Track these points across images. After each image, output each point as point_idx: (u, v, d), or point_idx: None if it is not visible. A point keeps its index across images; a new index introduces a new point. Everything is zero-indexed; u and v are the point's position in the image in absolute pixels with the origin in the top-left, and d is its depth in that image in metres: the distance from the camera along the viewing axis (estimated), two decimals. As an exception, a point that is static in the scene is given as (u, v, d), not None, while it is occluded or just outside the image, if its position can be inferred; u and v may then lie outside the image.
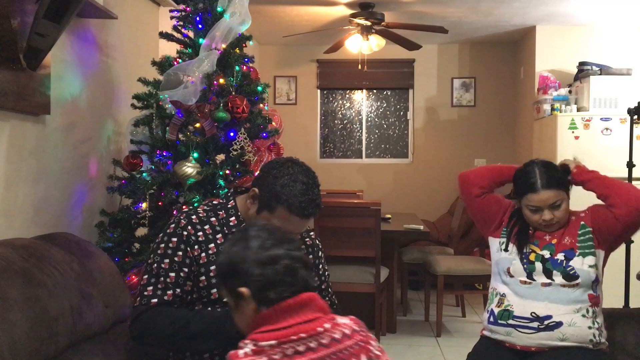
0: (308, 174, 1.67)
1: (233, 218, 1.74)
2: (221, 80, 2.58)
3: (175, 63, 2.65)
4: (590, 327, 1.97)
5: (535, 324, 1.98)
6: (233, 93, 2.60)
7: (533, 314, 1.99)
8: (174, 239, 1.68)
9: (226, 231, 1.72)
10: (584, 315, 1.97)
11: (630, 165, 3.58)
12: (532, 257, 2.06)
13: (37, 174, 2.31)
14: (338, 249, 3.85)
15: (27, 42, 2.02)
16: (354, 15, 4.88)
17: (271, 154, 2.83)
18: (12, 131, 2.14)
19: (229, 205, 1.77)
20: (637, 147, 3.85)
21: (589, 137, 4.76)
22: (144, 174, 2.61)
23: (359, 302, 3.90)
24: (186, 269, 1.67)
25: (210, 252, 1.69)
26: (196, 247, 1.68)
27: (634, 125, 3.58)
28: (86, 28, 2.70)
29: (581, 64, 5.20)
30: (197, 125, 2.52)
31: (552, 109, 5.01)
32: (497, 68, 6.48)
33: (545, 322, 1.97)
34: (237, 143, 2.58)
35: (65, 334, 1.72)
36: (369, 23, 4.88)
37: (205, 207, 1.78)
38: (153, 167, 2.63)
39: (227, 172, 2.54)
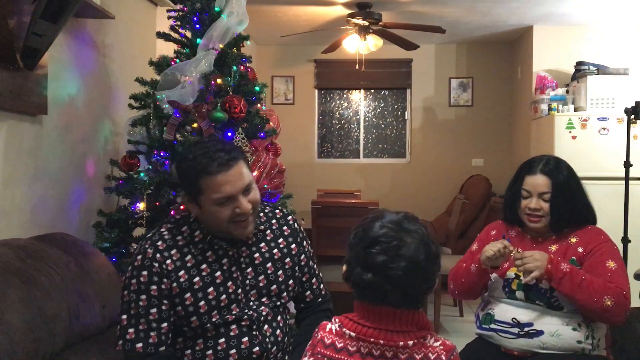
0: (198, 143, 1.65)
1: (197, 232, 1.66)
2: (219, 80, 2.58)
3: (172, 63, 2.64)
4: (580, 342, 1.87)
5: (515, 330, 1.93)
6: (230, 93, 2.60)
7: (514, 320, 1.94)
8: (144, 273, 1.58)
9: (192, 249, 1.63)
10: (574, 329, 1.89)
11: (627, 165, 3.59)
12: (514, 284, 1.98)
13: (34, 174, 2.30)
14: (336, 249, 3.84)
15: (24, 42, 2.02)
16: (351, 15, 4.88)
17: (269, 154, 2.83)
18: (9, 131, 2.13)
19: (191, 219, 1.68)
20: (634, 146, 3.86)
21: (586, 136, 4.76)
22: (141, 174, 2.60)
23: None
24: (166, 301, 1.58)
25: (182, 280, 1.59)
26: (165, 280, 1.58)
27: (631, 125, 3.58)
28: (83, 28, 2.70)
29: (578, 63, 5.21)
30: (195, 125, 2.52)
31: (550, 109, 5.02)
32: (495, 68, 6.48)
33: (526, 329, 1.91)
34: (235, 143, 2.57)
35: (62, 334, 1.71)
36: (366, 23, 4.88)
37: (168, 226, 1.68)
38: (150, 167, 2.62)
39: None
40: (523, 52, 5.98)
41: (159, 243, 1.62)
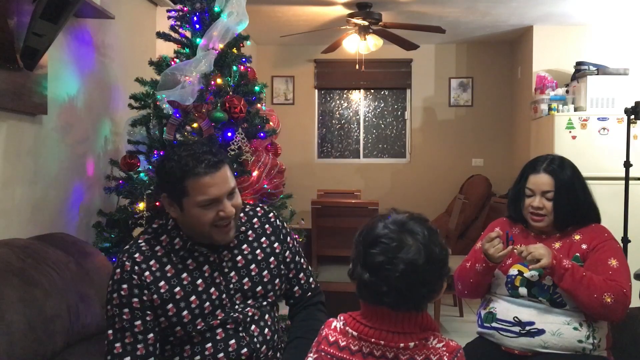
0: (183, 145, 1.63)
1: (177, 240, 1.63)
2: (219, 80, 2.58)
3: (172, 63, 2.64)
4: (581, 341, 1.88)
5: (516, 329, 1.94)
6: (230, 93, 2.59)
7: (515, 319, 1.95)
8: (124, 286, 1.55)
9: (173, 258, 1.61)
10: (575, 329, 1.89)
11: (627, 164, 3.59)
12: (517, 281, 1.98)
13: (34, 174, 2.30)
14: (336, 249, 3.85)
15: (24, 42, 2.02)
16: (351, 15, 4.88)
17: (269, 154, 2.83)
18: (9, 131, 2.13)
19: (169, 227, 1.65)
20: (634, 146, 3.86)
21: (586, 136, 4.76)
22: (141, 174, 2.60)
23: (356, 302, 3.89)
24: (150, 312, 1.56)
25: (162, 290, 1.57)
26: (146, 291, 1.56)
27: (631, 125, 3.58)
28: (83, 28, 2.70)
29: (578, 63, 5.21)
30: (195, 125, 2.52)
31: (550, 109, 5.02)
32: (495, 68, 6.49)
33: (527, 328, 1.92)
34: (235, 143, 2.57)
35: (62, 334, 1.71)
36: (366, 23, 4.88)
37: (146, 237, 1.64)
38: (150, 167, 2.62)
39: (225, 172, 2.53)
40: (523, 52, 5.98)
41: (136, 255, 1.59)
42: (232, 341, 1.62)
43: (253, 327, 1.66)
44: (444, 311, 4.64)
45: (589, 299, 1.84)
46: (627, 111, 3.53)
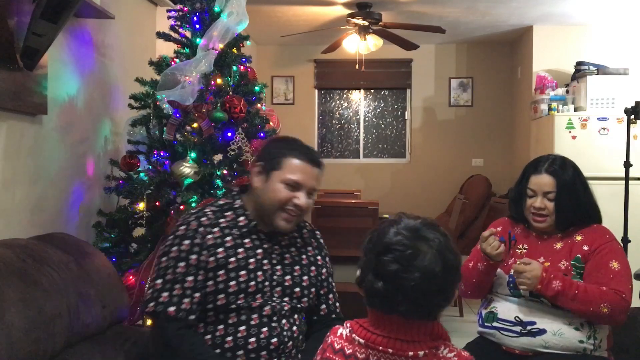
0: (298, 140, 1.79)
1: (242, 218, 1.74)
2: (219, 80, 2.58)
3: (172, 63, 2.64)
4: (582, 342, 1.88)
5: (517, 328, 1.94)
6: (230, 93, 2.60)
7: (517, 318, 1.95)
8: (186, 242, 1.65)
9: (236, 232, 1.71)
10: (577, 329, 1.89)
11: (627, 165, 3.59)
12: None
13: (34, 174, 2.30)
14: (336, 249, 3.80)
15: (24, 42, 2.01)
16: (351, 15, 4.88)
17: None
18: (9, 131, 2.13)
19: (236, 205, 1.76)
20: (634, 146, 3.86)
21: (586, 136, 4.76)
22: (141, 174, 2.60)
23: (356, 302, 3.89)
24: (202, 272, 1.64)
25: (219, 255, 1.66)
26: (204, 252, 1.65)
27: (631, 125, 3.59)
28: (83, 28, 2.70)
29: (578, 63, 5.21)
30: (195, 125, 2.52)
31: (550, 109, 5.02)
32: (495, 68, 6.48)
33: (528, 328, 1.92)
34: (235, 143, 2.57)
35: (62, 334, 1.71)
36: (366, 23, 4.88)
37: (213, 208, 1.75)
38: (150, 167, 2.62)
39: (225, 172, 2.54)
40: (523, 52, 5.98)
41: (203, 219, 1.69)
42: (265, 329, 1.67)
43: (284, 321, 1.72)
44: (444, 311, 4.64)
45: (586, 312, 1.85)
46: (627, 111, 3.53)
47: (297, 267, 1.78)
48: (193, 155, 2.50)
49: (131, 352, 1.94)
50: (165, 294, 1.62)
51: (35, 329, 1.59)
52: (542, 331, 1.90)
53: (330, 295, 1.89)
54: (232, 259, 1.67)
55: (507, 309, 1.99)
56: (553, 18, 5.30)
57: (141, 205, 2.56)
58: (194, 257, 1.64)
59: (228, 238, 1.70)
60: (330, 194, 5.32)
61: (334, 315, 1.88)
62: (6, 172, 2.12)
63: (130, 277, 2.45)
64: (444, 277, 1.14)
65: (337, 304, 1.92)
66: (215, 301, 1.65)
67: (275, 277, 1.73)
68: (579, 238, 2.00)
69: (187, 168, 2.45)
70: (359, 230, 3.82)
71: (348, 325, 1.24)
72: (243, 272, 1.67)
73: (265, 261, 1.73)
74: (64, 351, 1.74)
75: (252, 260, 1.70)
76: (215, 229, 1.69)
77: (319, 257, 1.87)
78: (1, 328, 1.47)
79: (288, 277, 1.75)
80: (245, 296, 1.66)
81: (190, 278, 1.63)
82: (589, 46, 5.51)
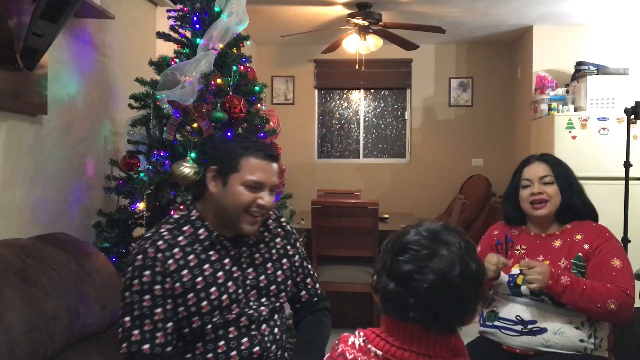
0: (248, 135, 1.72)
1: (202, 230, 1.65)
2: (218, 80, 2.58)
3: (172, 63, 2.64)
4: (582, 340, 1.88)
5: (518, 327, 1.94)
6: (230, 93, 2.59)
7: (518, 317, 1.95)
8: (147, 272, 1.53)
9: (198, 248, 1.62)
10: (577, 328, 1.89)
11: (627, 165, 3.59)
12: (519, 280, 1.97)
13: (34, 174, 2.30)
14: (336, 249, 3.85)
15: (24, 42, 2.02)
16: (351, 15, 4.88)
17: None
18: (9, 131, 2.13)
19: (193, 217, 1.67)
20: (634, 146, 3.86)
21: (586, 136, 4.76)
22: (141, 174, 2.60)
23: (356, 302, 3.90)
24: (170, 300, 1.55)
25: (185, 279, 1.57)
26: (168, 279, 1.54)
27: (631, 125, 3.58)
28: (83, 28, 2.70)
29: (578, 63, 5.21)
30: (195, 125, 2.52)
31: (550, 109, 5.02)
32: (495, 68, 6.49)
33: (529, 327, 1.92)
34: (235, 143, 2.57)
35: (62, 334, 1.71)
36: (366, 23, 4.88)
37: (168, 226, 1.64)
38: (150, 167, 2.62)
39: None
40: (523, 52, 5.98)
41: (160, 243, 1.58)
42: (245, 339, 1.63)
43: (264, 326, 1.68)
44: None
45: (594, 309, 1.85)
46: (627, 111, 3.53)
47: (269, 265, 1.73)
48: (193, 155, 2.50)
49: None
50: (136, 332, 1.51)
51: (35, 328, 1.59)
52: (543, 330, 1.91)
53: (308, 280, 1.85)
54: (199, 279, 1.59)
55: (508, 308, 2.00)
56: (553, 18, 5.31)
57: (141, 205, 2.56)
58: (157, 287, 1.53)
59: (191, 257, 1.60)
60: (330, 194, 5.32)
61: (316, 298, 1.86)
62: (6, 172, 2.12)
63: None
64: (463, 284, 1.07)
65: (317, 285, 1.88)
66: (191, 324, 1.58)
67: (248, 281, 1.68)
68: (578, 237, 2.01)
69: (187, 168, 2.45)
70: (359, 230, 3.85)
71: (361, 334, 1.16)
72: (213, 289, 1.60)
73: (234, 268, 1.66)
74: (64, 351, 1.74)
75: (220, 273, 1.63)
76: (176, 250, 1.58)
77: (288, 247, 1.81)
78: (1, 328, 1.47)
79: (262, 277, 1.71)
80: (220, 312, 1.60)
81: (158, 310, 1.53)
82: (589, 46, 5.51)
